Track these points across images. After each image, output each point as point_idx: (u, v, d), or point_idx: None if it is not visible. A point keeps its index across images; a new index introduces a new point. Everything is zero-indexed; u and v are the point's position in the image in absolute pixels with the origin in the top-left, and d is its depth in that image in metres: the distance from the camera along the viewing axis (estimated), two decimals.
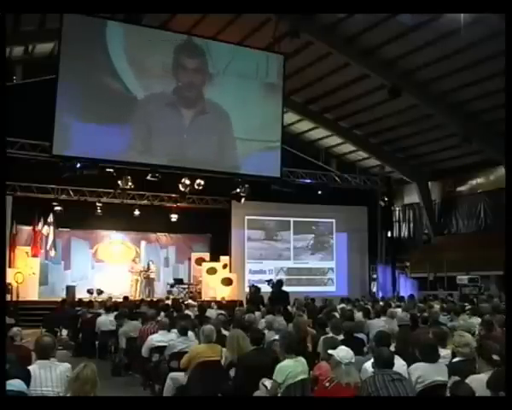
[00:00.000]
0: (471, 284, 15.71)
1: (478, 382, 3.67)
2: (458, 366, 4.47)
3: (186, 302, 13.07)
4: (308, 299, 12.57)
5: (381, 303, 11.34)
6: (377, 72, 14.98)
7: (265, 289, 12.71)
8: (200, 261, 19.28)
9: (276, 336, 5.91)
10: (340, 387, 4.05)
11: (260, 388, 4.92)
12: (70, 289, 15.91)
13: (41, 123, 12.74)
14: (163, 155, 13.95)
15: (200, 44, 14.32)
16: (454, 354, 4.80)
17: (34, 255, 16.68)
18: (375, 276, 20.57)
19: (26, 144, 13.74)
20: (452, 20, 11.42)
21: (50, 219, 17.06)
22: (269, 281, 13.15)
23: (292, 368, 4.62)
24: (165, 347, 6.73)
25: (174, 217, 18.48)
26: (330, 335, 5.98)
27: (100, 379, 3.54)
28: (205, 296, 17.13)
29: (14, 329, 6.00)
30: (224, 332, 6.62)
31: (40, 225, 17.05)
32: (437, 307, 10.21)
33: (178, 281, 18.26)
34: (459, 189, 19.62)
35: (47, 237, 17.17)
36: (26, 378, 3.87)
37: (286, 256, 19.25)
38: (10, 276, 14.65)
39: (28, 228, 17.27)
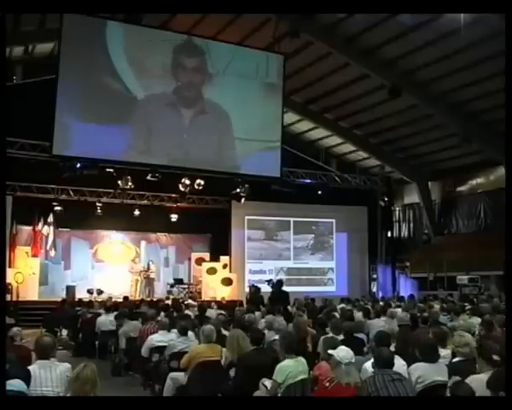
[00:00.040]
0: (471, 284, 15.70)
1: (478, 382, 3.67)
2: (458, 366, 4.47)
3: (186, 302, 13.07)
4: (308, 299, 12.57)
5: (381, 303, 11.34)
6: (377, 72, 14.98)
7: (265, 289, 12.72)
8: (200, 261, 19.27)
9: (276, 336, 5.90)
10: (340, 387, 4.05)
11: (260, 388, 4.92)
12: (70, 290, 15.91)
13: (41, 123, 12.74)
14: (163, 155, 13.95)
15: (199, 44, 14.31)
16: (454, 354, 4.80)
17: (34, 255, 16.67)
18: (375, 276, 20.56)
19: (26, 144, 13.74)
20: (452, 20, 11.42)
21: (50, 219, 17.05)
22: (269, 281, 13.14)
23: (292, 368, 4.62)
24: (165, 347, 6.73)
25: (174, 217, 18.47)
26: (330, 335, 5.97)
27: (100, 379, 3.54)
28: (205, 296, 17.12)
29: (14, 329, 6.00)
30: (224, 332, 6.62)
31: (40, 225, 17.05)
32: (437, 307, 10.20)
33: (178, 281, 18.25)
34: (459, 189, 19.61)
35: (47, 237, 17.16)
36: (26, 378, 3.87)
37: (286, 256, 19.24)
38: (10, 276, 14.65)
39: (28, 228, 17.27)
